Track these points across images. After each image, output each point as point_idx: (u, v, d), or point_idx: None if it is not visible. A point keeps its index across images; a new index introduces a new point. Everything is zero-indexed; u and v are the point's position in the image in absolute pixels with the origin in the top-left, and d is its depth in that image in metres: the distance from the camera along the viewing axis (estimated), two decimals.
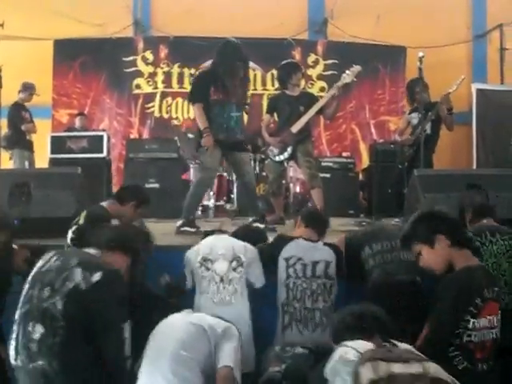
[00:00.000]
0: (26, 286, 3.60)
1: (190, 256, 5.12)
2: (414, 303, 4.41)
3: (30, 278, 3.63)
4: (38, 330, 3.43)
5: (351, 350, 2.97)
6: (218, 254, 5.01)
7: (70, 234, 5.09)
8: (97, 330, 3.46)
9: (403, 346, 3.05)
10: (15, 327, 3.56)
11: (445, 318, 3.70)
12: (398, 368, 2.73)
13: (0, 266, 4.68)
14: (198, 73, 10.13)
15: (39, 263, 3.66)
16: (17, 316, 3.57)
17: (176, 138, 10.50)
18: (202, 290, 4.99)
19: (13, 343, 3.54)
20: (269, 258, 5.11)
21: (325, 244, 5.14)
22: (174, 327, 3.84)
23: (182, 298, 5.03)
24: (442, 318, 3.70)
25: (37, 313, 3.47)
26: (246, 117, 7.84)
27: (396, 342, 3.12)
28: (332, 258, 5.03)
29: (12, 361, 3.54)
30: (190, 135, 10.17)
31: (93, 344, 3.46)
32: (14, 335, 3.56)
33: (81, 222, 5.07)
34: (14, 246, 5.01)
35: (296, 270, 4.95)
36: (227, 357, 3.71)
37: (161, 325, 3.85)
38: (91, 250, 3.77)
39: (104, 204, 5.44)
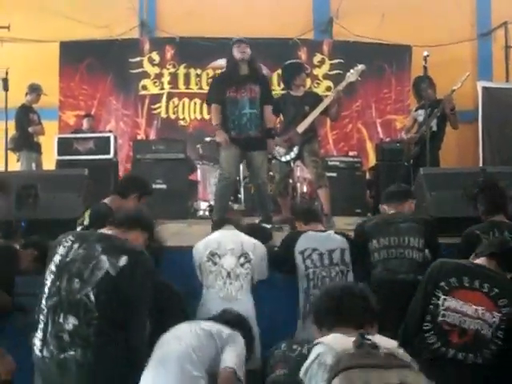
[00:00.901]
0: (51, 277, 3.60)
1: (198, 249, 5.18)
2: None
3: (53, 267, 3.62)
4: (70, 322, 3.46)
5: (329, 350, 2.81)
6: (227, 248, 5.07)
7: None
8: (126, 316, 3.50)
9: (384, 340, 2.88)
10: (42, 318, 3.55)
11: (417, 296, 3.99)
12: (375, 378, 2.63)
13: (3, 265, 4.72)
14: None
15: (61, 250, 3.65)
16: (43, 307, 3.57)
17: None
18: (209, 284, 5.04)
19: (39, 334, 3.55)
20: (284, 255, 5.17)
21: (336, 233, 5.26)
22: (184, 331, 3.87)
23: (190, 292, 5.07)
24: (416, 297, 4.00)
25: (68, 305, 3.49)
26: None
27: (374, 336, 2.89)
28: (346, 245, 5.16)
29: (37, 352, 3.54)
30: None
31: (123, 332, 3.50)
32: (40, 326, 3.55)
33: (86, 222, 5.08)
34: (16, 246, 5.05)
35: (313, 259, 5.04)
36: (230, 359, 3.74)
37: (168, 333, 3.87)
38: (110, 231, 3.80)
39: (106, 201, 5.44)
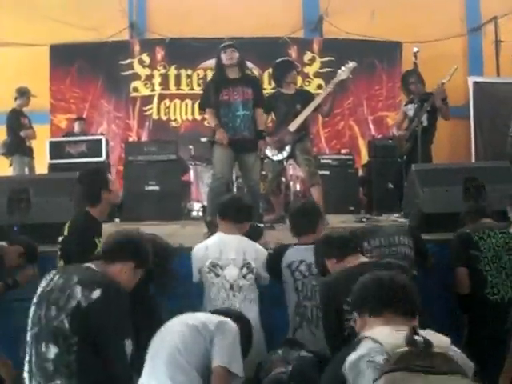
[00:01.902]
0: (33, 307, 3.60)
1: (198, 253, 5.10)
2: None
3: (35, 298, 3.61)
4: (51, 350, 3.42)
5: (379, 347, 2.63)
6: (229, 258, 4.98)
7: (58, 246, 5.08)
8: (101, 346, 3.44)
9: (436, 337, 2.65)
10: (27, 349, 3.55)
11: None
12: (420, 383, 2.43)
13: None
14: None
15: (43, 283, 3.65)
16: (28, 338, 3.57)
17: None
18: (212, 297, 4.96)
19: (26, 367, 3.54)
20: (272, 271, 5.11)
21: None
22: (168, 332, 3.77)
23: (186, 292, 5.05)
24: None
25: (47, 333, 3.46)
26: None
27: (426, 332, 2.67)
28: None
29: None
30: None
31: (104, 362, 3.46)
32: (26, 358, 3.54)
33: (65, 233, 5.01)
34: (2, 243, 5.06)
35: (301, 270, 4.92)
36: (220, 354, 3.63)
37: (158, 332, 3.79)
38: (92, 265, 3.72)
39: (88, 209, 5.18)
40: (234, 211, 5.25)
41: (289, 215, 5.55)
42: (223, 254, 5.00)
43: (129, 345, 3.52)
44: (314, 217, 5.15)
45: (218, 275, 4.95)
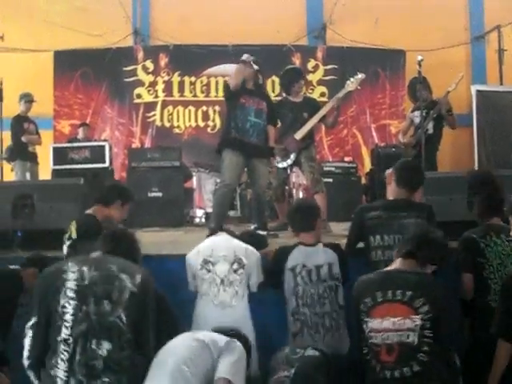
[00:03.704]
0: (72, 303, 3.53)
1: (191, 259, 5.15)
2: None
3: (70, 292, 3.55)
4: (104, 347, 3.44)
5: None
6: (219, 255, 5.04)
7: (65, 249, 5.07)
8: (142, 328, 3.56)
9: None
10: (64, 347, 3.48)
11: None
12: None
13: (4, 290, 4.70)
14: None
15: (71, 276, 3.60)
16: (67, 335, 3.49)
17: None
18: (203, 292, 5.02)
19: (62, 365, 3.46)
20: (274, 272, 5.10)
21: (325, 245, 5.10)
22: (176, 344, 3.81)
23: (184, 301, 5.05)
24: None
25: (100, 329, 3.47)
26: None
27: None
28: (334, 258, 5.01)
29: (60, 383, 3.44)
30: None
31: (144, 353, 3.56)
32: (63, 356, 3.47)
33: (74, 235, 5.02)
34: (14, 267, 5.00)
35: (303, 276, 4.92)
36: (224, 369, 3.70)
37: (162, 349, 3.78)
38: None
39: (90, 211, 5.39)
40: None
41: (287, 214, 5.58)
42: (214, 251, 5.08)
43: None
44: (310, 214, 5.16)
45: (209, 271, 5.02)
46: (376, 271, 4.21)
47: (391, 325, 3.73)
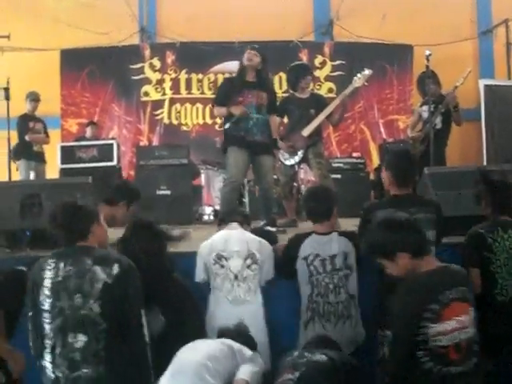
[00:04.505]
0: (48, 300, 3.61)
1: (203, 250, 5.13)
2: None
3: (46, 291, 3.62)
4: (80, 339, 3.50)
5: None
6: (233, 250, 5.02)
7: None
8: (128, 321, 3.56)
9: None
10: (47, 341, 3.60)
11: (399, 334, 3.78)
12: None
13: (12, 289, 4.71)
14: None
15: (47, 274, 3.65)
16: (47, 331, 3.60)
17: None
18: (216, 287, 5.01)
19: (48, 357, 3.59)
20: (287, 260, 5.09)
21: (340, 234, 5.07)
22: (202, 344, 3.92)
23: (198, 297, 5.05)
24: (397, 335, 3.80)
25: (74, 322, 3.52)
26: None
27: None
28: (349, 247, 4.97)
29: (50, 374, 3.59)
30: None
31: (129, 342, 3.57)
32: (47, 350, 3.60)
33: None
34: (22, 268, 5.01)
35: (316, 266, 4.90)
36: (245, 372, 3.79)
37: (186, 346, 3.87)
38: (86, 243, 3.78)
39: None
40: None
41: (302, 200, 5.54)
42: (228, 246, 5.06)
43: (143, 315, 3.66)
44: (326, 203, 5.08)
45: (222, 266, 5.00)
46: (425, 272, 3.84)
47: (459, 324, 3.64)
